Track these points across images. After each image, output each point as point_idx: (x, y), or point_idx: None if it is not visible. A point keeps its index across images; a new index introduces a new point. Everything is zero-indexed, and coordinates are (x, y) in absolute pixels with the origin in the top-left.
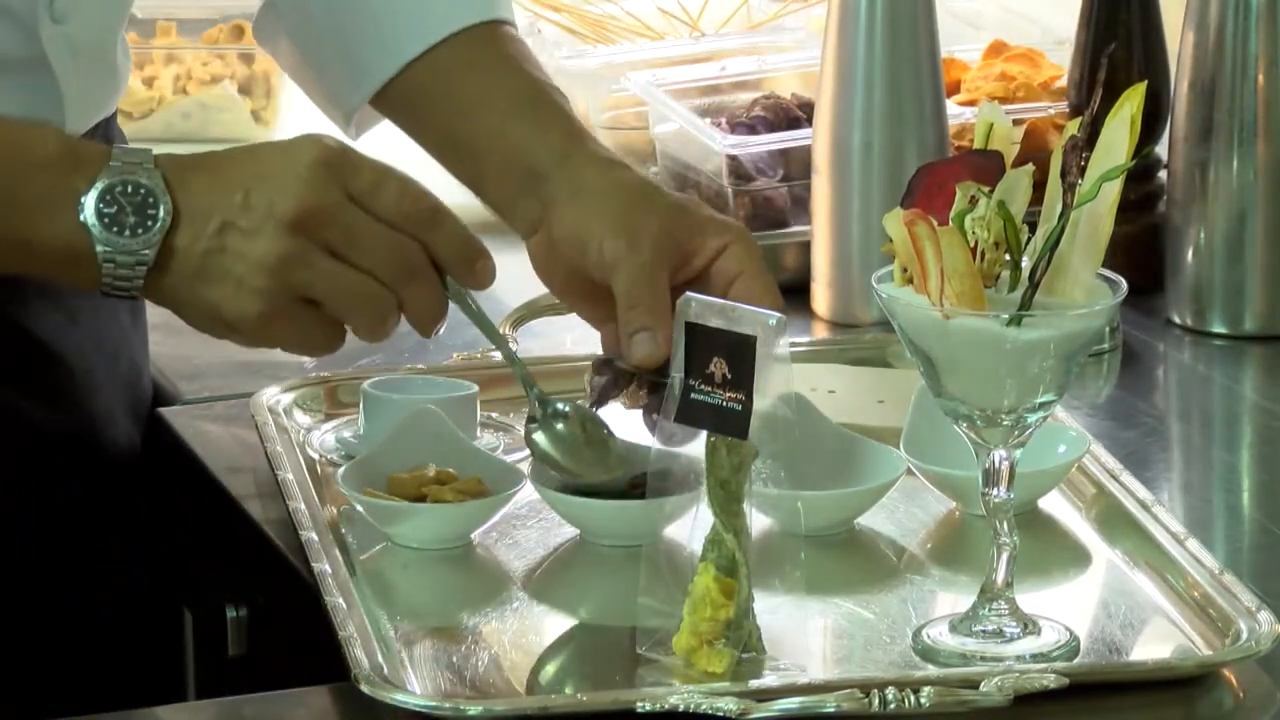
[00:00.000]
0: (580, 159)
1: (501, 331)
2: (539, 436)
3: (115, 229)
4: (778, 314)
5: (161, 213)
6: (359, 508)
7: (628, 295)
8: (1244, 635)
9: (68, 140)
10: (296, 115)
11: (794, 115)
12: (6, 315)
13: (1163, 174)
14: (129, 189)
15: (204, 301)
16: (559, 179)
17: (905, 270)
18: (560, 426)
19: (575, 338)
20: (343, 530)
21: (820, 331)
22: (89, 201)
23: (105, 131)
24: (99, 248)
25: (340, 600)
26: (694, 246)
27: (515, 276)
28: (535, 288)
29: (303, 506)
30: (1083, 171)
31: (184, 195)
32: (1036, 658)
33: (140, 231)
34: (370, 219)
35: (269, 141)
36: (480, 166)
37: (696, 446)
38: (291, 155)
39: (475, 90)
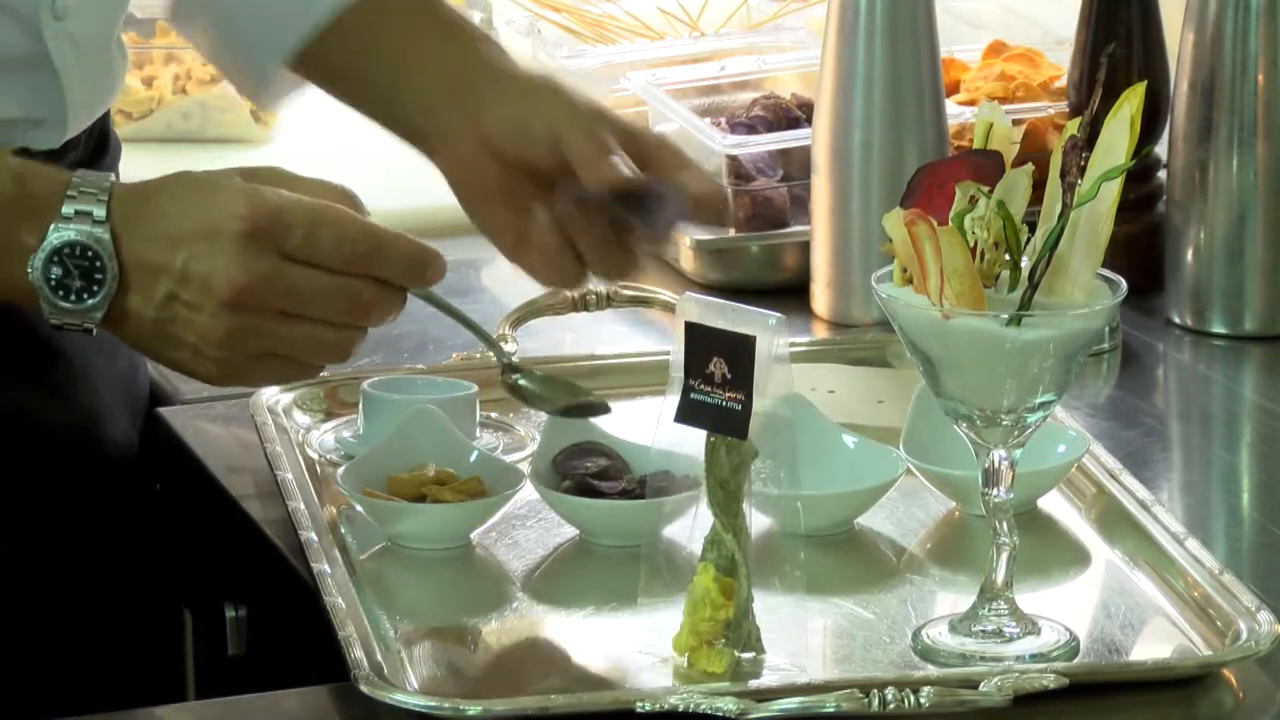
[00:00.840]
0: (504, 71)
1: (501, 331)
2: (518, 379)
3: (61, 293)
4: (777, 314)
5: (108, 278)
6: (359, 508)
7: (585, 150)
8: (1244, 635)
9: (20, 176)
10: (297, 115)
11: (794, 115)
12: (5, 312)
13: (1162, 174)
14: (76, 251)
15: (165, 359)
16: (487, 85)
17: (905, 270)
18: (531, 373)
19: (575, 338)
20: (342, 530)
21: (820, 331)
22: (37, 262)
23: (102, 126)
24: (45, 309)
25: (340, 600)
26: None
27: (515, 276)
28: (535, 288)
29: (302, 506)
30: (1082, 171)
31: (131, 251)
32: (1036, 658)
33: (87, 297)
34: (313, 272)
35: (202, 179)
36: (407, 100)
37: (696, 446)
38: (218, 220)
39: (402, 33)
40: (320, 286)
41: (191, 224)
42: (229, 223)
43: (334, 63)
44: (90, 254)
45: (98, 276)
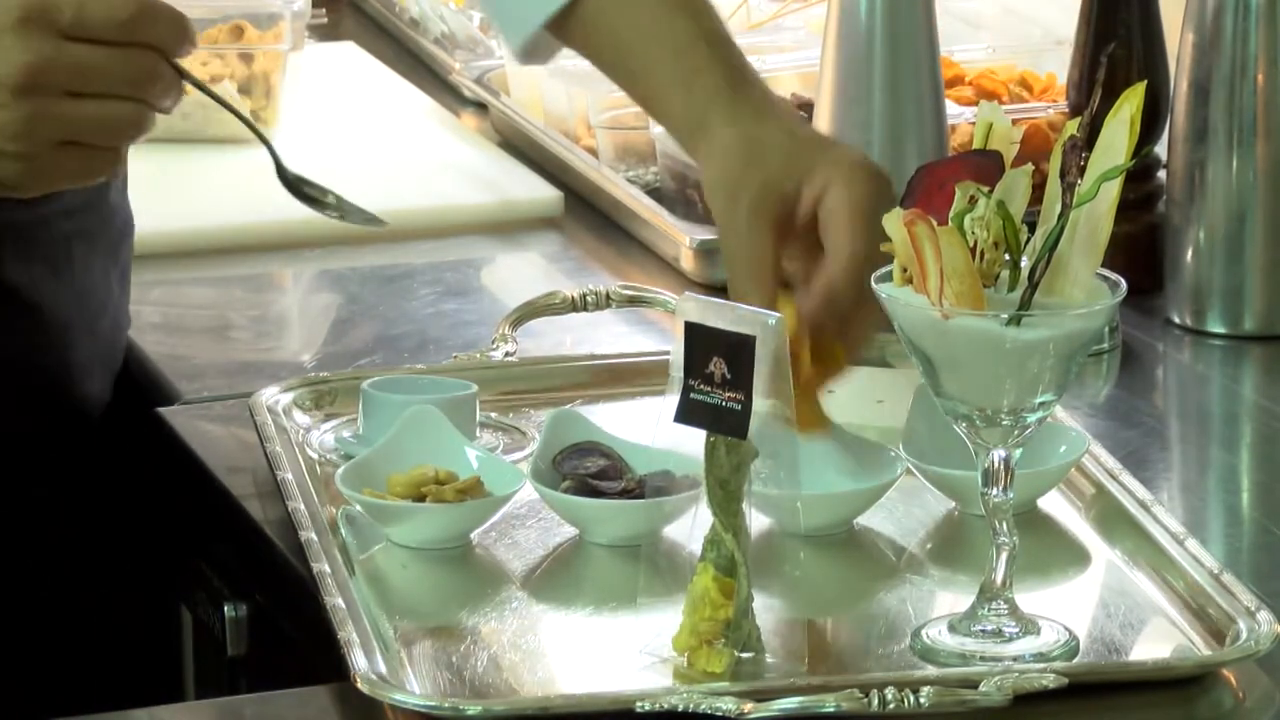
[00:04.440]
0: (717, 115)
1: (501, 331)
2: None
3: None
4: (777, 314)
5: None
6: (359, 508)
7: (728, 268)
8: (1244, 635)
9: None
10: (297, 115)
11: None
12: None
13: (1162, 174)
14: None
15: None
16: (696, 136)
17: (905, 270)
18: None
19: (575, 338)
20: (342, 530)
21: None
22: None
23: None
24: None
25: (340, 600)
26: (799, 191)
27: (515, 276)
28: (535, 288)
29: (302, 506)
30: (1082, 171)
31: None
32: (1036, 657)
33: None
34: (92, 47)
35: None
36: (650, 104)
37: (696, 446)
38: None
39: (642, 29)
40: (102, 58)
41: None
42: (3, 17)
43: (583, 40)
44: None
45: None
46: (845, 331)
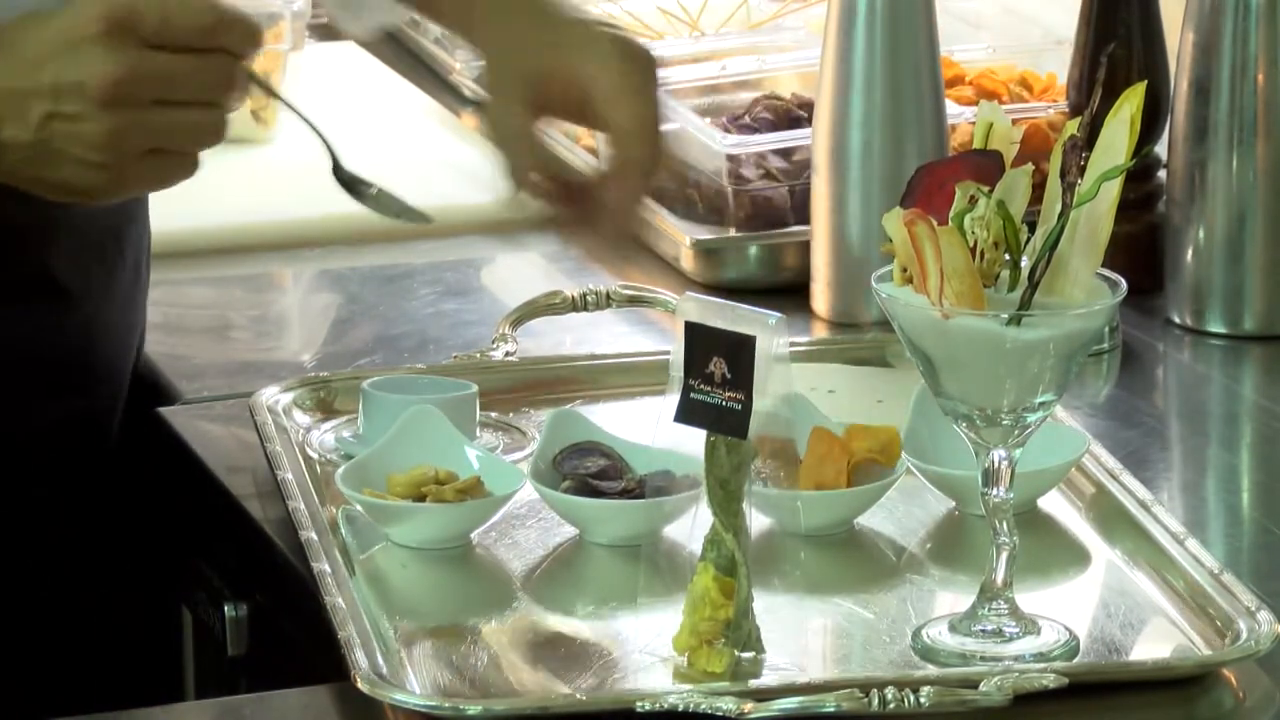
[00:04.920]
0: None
1: (501, 331)
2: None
3: None
4: (778, 314)
5: None
6: (359, 507)
7: (492, 134)
8: (1244, 635)
9: None
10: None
11: (795, 115)
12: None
13: (1162, 174)
14: None
15: (49, 181)
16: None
17: (905, 270)
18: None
19: (575, 338)
20: (342, 530)
21: (820, 331)
22: None
23: None
24: None
25: (340, 600)
26: (565, 72)
27: (515, 276)
28: (534, 288)
29: (302, 506)
30: (1082, 171)
31: None
32: (1036, 657)
33: None
34: (175, 56)
35: (49, 10)
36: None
37: (696, 446)
38: (75, 29)
39: None
40: (186, 67)
41: (50, 42)
42: (87, 27)
43: None
44: None
45: None
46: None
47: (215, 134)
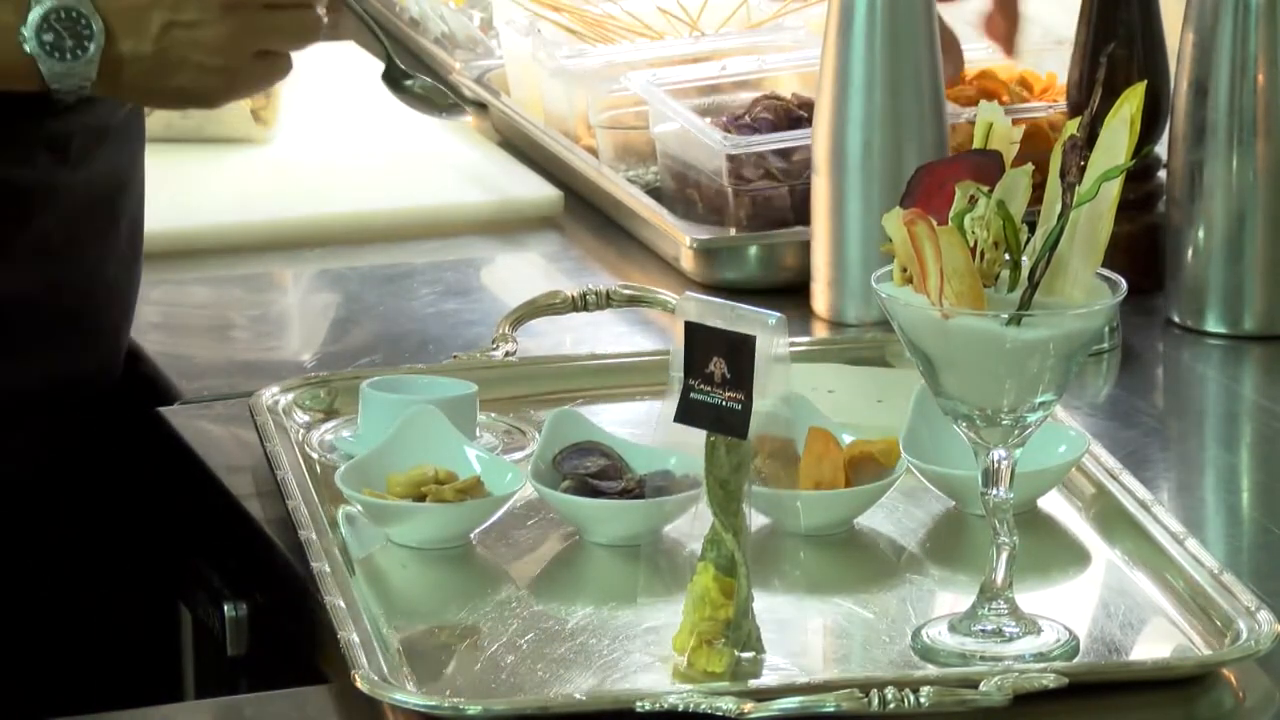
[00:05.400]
0: None
1: (501, 331)
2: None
3: (57, 55)
4: (777, 314)
5: (95, 31)
6: (359, 507)
7: None
8: (1244, 635)
9: None
10: (297, 115)
11: (795, 115)
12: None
13: (1162, 174)
14: (62, 14)
15: (168, 90)
16: None
17: (905, 270)
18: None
19: (575, 338)
20: (342, 530)
21: (820, 331)
22: (28, 33)
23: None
24: (45, 73)
25: (340, 600)
26: None
27: (515, 276)
28: (534, 288)
29: (302, 506)
30: (1082, 171)
31: (109, 5)
32: (1036, 657)
33: (80, 54)
34: None
35: None
36: None
37: (696, 446)
38: None
39: None
40: None
41: None
42: None
43: None
44: (74, 14)
45: (85, 32)
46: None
47: (314, 32)
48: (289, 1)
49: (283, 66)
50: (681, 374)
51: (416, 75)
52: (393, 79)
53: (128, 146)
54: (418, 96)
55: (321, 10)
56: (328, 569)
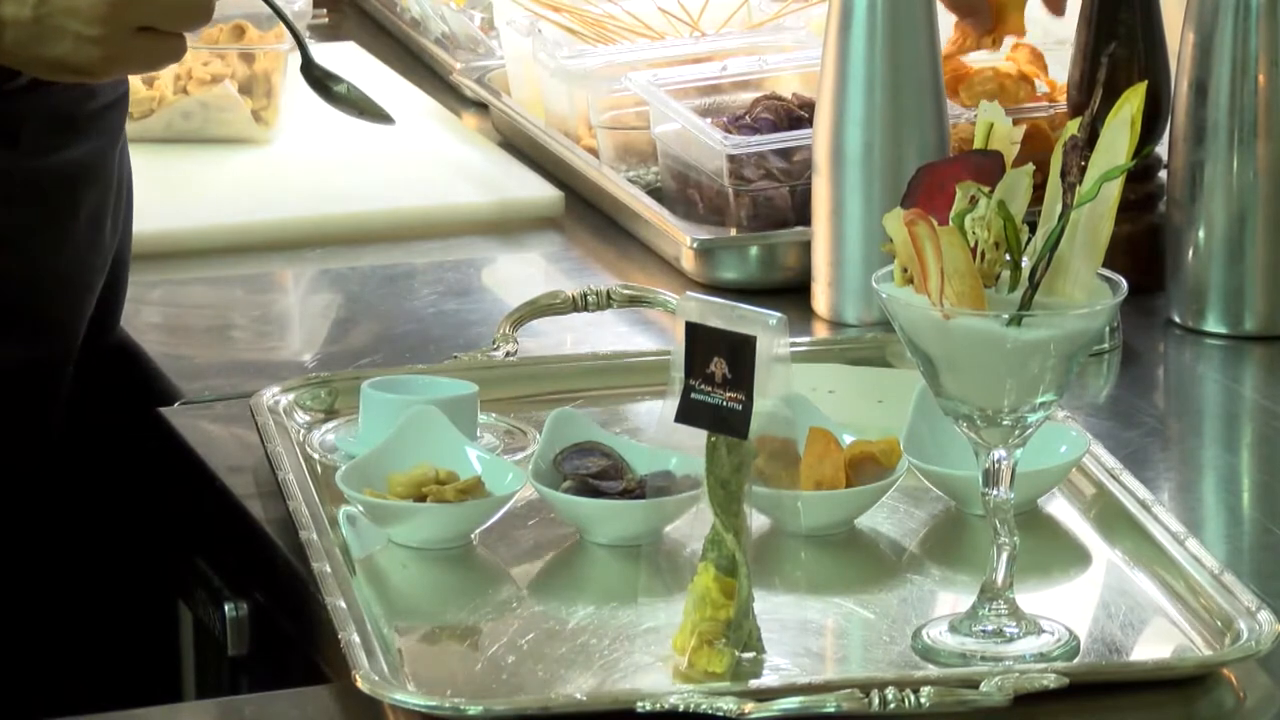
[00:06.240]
0: None
1: (502, 331)
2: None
3: None
4: (778, 314)
5: None
6: (359, 507)
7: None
8: (1244, 635)
9: None
10: (297, 115)
11: (796, 115)
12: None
13: (1163, 174)
14: None
15: (46, 59)
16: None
17: (905, 270)
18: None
19: (575, 338)
20: (342, 530)
21: (820, 331)
22: None
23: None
24: None
25: (340, 600)
26: None
27: (516, 276)
28: (534, 288)
29: (303, 506)
30: (1083, 171)
31: None
32: (1036, 657)
33: None
34: None
35: None
36: None
37: (696, 446)
38: None
39: None
40: None
41: None
42: None
43: None
44: None
45: None
46: None
47: (204, 13)
48: None
49: (173, 48)
50: (682, 374)
51: (340, 79)
52: (314, 78)
53: (98, 140)
54: (340, 98)
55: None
56: (328, 569)
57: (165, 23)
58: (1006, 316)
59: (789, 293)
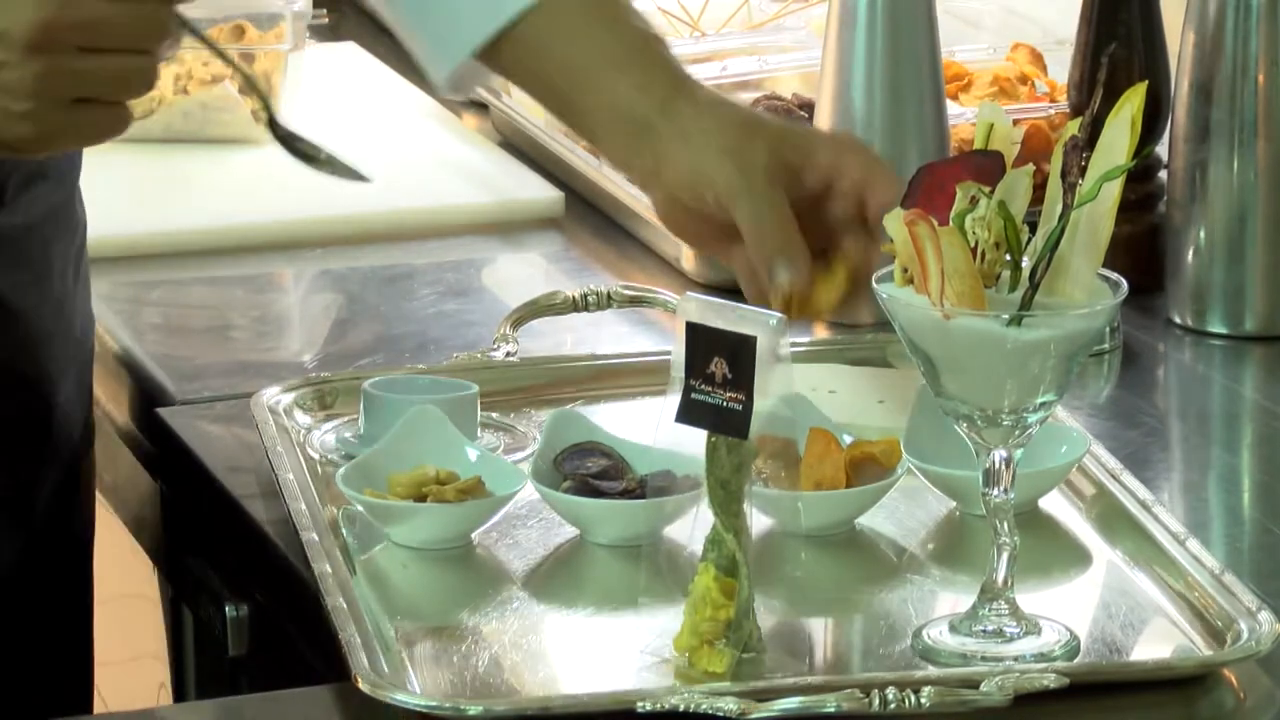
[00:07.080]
0: (681, 104)
1: (502, 331)
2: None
3: None
4: (778, 314)
5: None
6: (359, 508)
7: (753, 229)
8: (1244, 635)
9: None
10: (297, 115)
11: (796, 115)
12: None
13: (1163, 174)
14: None
15: None
16: (664, 128)
17: (905, 270)
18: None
19: (575, 338)
20: (343, 530)
21: (820, 331)
22: None
23: None
24: None
25: (340, 600)
26: (804, 165)
27: (515, 277)
28: (535, 288)
29: (303, 507)
30: (1083, 171)
31: None
32: (1037, 657)
33: None
34: (104, 1)
35: None
36: (590, 123)
37: (696, 446)
38: None
39: (578, 47)
40: (113, 11)
41: None
42: None
43: (515, 64)
44: None
45: None
46: None
47: (145, 83)
48: (110, 46)
49: (116, 117)
50: (682, 374)
51: (301, 138)
52: (279, 135)
53: (62, 190)
54: (307, 156)
55: (168, 51)
56: (329, 569)
57: (104, 93)
58: (1007, 316)
59: None
